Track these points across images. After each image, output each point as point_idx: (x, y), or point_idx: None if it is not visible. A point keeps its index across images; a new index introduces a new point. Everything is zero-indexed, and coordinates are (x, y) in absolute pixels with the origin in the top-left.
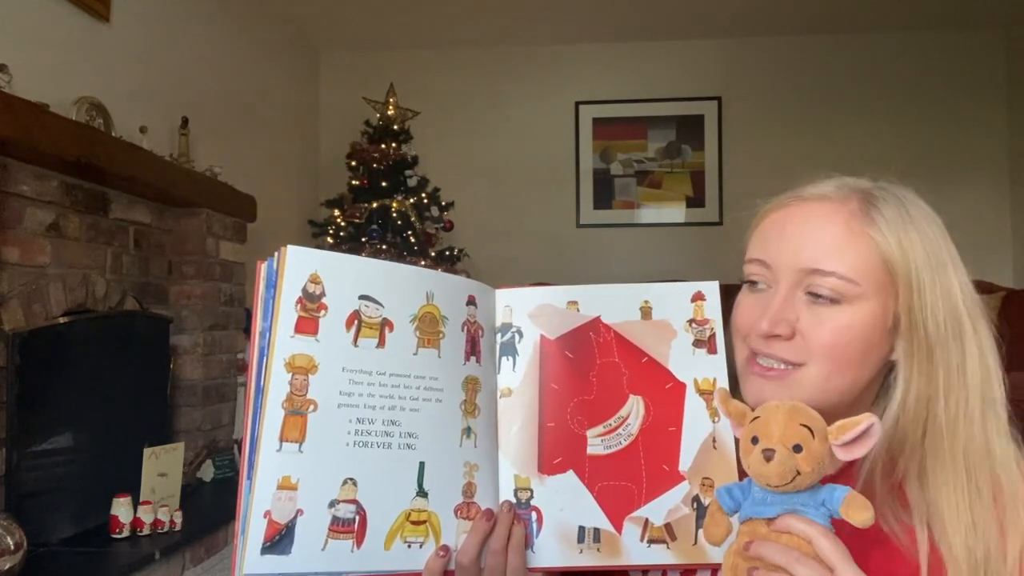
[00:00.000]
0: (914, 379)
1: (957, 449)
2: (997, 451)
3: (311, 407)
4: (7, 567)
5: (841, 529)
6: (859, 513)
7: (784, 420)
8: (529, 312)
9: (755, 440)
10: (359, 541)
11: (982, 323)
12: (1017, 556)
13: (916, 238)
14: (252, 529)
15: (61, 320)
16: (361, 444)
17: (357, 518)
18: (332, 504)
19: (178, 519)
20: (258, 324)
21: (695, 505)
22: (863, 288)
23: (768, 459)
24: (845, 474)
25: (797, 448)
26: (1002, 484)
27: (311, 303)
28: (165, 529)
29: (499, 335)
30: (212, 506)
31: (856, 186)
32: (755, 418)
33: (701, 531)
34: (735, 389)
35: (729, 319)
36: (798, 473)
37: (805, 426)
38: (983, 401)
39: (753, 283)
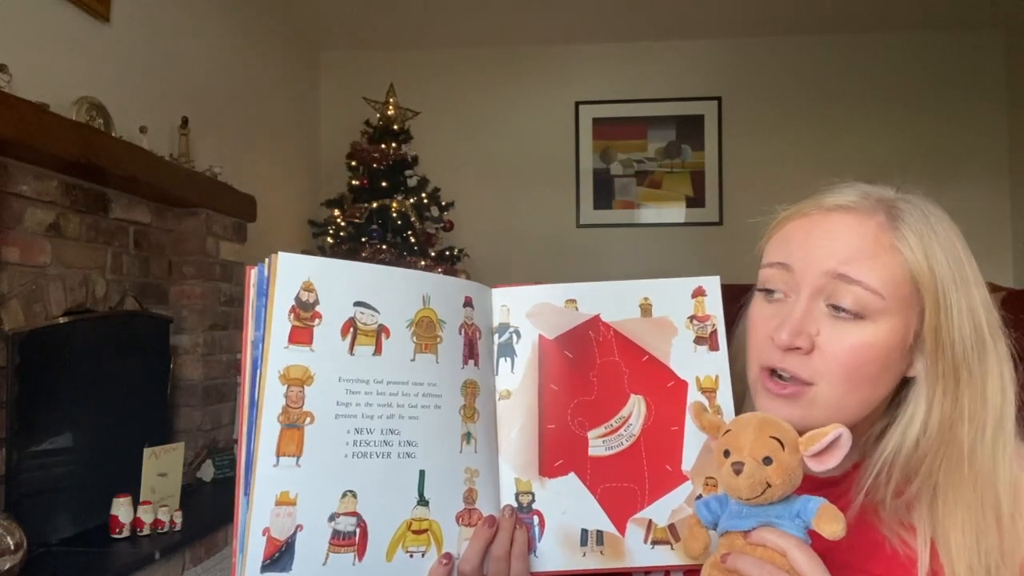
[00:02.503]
0: (937, 401)
1: (973, 475)
2: (1002, 474)
3: (308, 419)
4: (7, 567)
5: (840, 543)
6: (830, 525)
7: (754, 433)
8: (527, 311)
9: (727, 453)
10: (360, 554)
11: (1001, 341)
12: None
13: (941, 254)
14: (251, 547)
15: (61, 320)
16: (360, 455)
17: (358, 531)
18: (332, 518)
19: (178, 519)
20: (249, 333)
21: None
22: (887, 303)
23: (738, 472)
24: (843, 486)
25: (767, 460)
26: (1003, 508)
27: (305, 312)
28: (165, 529)
29: (496, 336)
30: (212, 506)
31: (880, 196)
32: (727, 431)
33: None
34: (739, 395)
35: (734, 324)
36: (768, 485)
37: (775, 438)
38: (996, 423)
39: (768, 292)
